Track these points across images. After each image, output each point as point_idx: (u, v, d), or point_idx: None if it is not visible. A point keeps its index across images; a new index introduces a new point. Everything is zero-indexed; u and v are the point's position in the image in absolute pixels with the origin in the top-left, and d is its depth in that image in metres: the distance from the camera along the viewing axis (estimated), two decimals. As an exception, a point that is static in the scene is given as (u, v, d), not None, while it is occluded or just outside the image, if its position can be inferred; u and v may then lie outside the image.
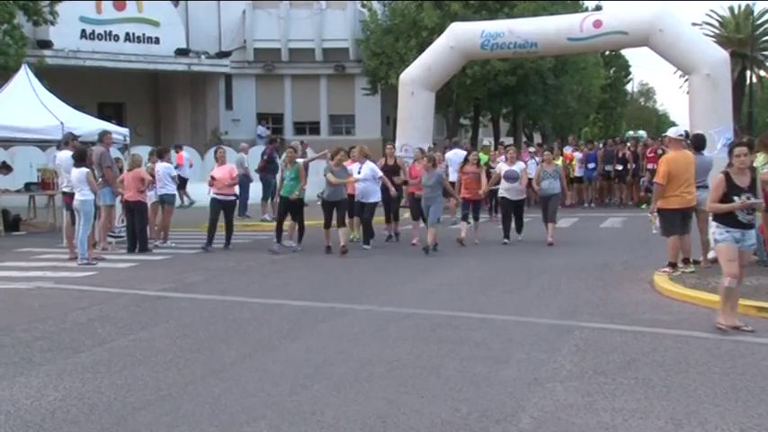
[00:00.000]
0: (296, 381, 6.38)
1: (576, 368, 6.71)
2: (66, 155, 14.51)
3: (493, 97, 33.14)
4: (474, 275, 11.77)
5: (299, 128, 37.48)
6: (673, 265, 10.84)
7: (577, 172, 24.36)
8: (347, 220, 15.05)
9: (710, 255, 11.49)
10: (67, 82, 24.91)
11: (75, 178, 13.46)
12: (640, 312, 8.98)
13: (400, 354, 7.25)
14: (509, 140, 35.14)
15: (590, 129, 59.58)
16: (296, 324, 8.60)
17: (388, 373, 6.63)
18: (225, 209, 15.10)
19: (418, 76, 24.31)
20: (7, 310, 9.43)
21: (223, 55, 34.93)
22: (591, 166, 24.29)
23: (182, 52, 33.20)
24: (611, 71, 54.56)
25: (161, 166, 15.91)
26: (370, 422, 5.47)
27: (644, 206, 20.51)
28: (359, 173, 14.60)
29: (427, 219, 14.32)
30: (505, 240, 15.31)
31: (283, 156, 15.72)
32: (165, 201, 15.86)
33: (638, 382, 6.28)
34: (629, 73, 61.41)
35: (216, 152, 15.87)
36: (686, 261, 10.96)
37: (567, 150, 25.02)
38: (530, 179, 15.89)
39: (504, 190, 15.55)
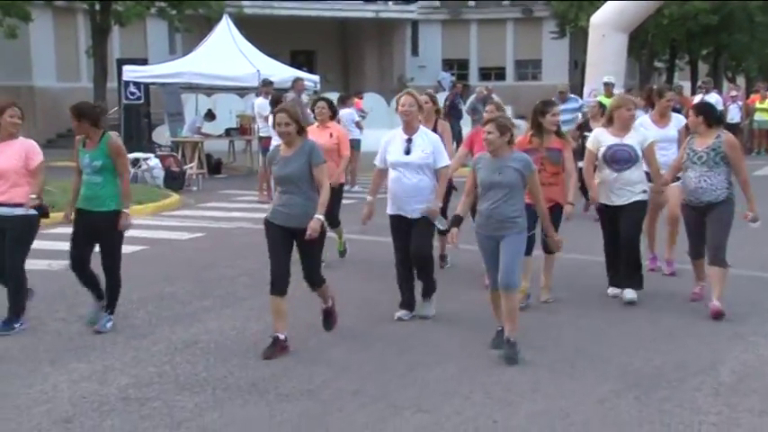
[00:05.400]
0: (482, 327, 6.37)
1: (782, 323, 6.32)
2: (262, 101, 15.18)
3: (692, 38, 31.22)
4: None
5: (485, 74, 37.07)
6: None
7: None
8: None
9: None
10: (263, 31, 25.91)
11: (270, 124, 14.12)
12: None
13: (588, 302, 7.12)
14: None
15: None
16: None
17: (574, 320, 6.54)
18: (5, 233, 6.41)
19: (610, 18, 23.29)
20: (212, 247, 10.07)
21: (410, 1, 35.03)
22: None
23: (370, -1, 33.63)
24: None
25: (345, 112, 16.19)
26: (557, 367, 5.43)
27: None
28: (407, 152, 6.68)
29: (499, 272, 5.77)
30: (612, 290, 7.34)
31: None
32: (351, 146, 16.16)
33: None
34: None
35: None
36: None
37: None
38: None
39: (601, 185, 7.23)
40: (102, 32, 21.23)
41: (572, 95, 14.57)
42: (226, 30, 18.54)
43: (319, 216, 5.98)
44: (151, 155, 16.69)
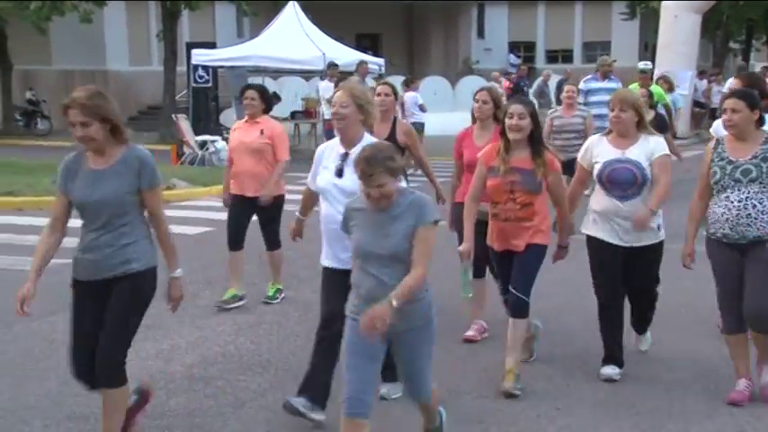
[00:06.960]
0: (543, 314, 6.30)
1: None
2: (327, 84, 15.24)
3: (770, 17, 30.22)
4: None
5: (551, 56, 36.56)
6: None
7: None
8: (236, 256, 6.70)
9: None
10: (328, 14, 26.00)
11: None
12: None
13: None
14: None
15: None
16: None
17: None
18: None
19: (684, -2, 22.70)
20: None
21: (476, -17, 34.72)
22: None
23: (436, -19, 33.41)
24: None
25: (408, 96, 16.16)
26: (623, 356, 5.36)
27: None
28: (339, 173, 4.46)
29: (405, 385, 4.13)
30: (610, 371, 5.05)
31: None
32: (416, 129, 16.18)
33: None
34: None
35: None
36: None
37: None
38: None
39: (600, 215, 5.05)
40: (172, 17, 21.59)
41: (614, 76, 12.03)
42: (292, 13, 18.70)
43: (176, 275, 3.97)
44: (218, 137, 16.96)
